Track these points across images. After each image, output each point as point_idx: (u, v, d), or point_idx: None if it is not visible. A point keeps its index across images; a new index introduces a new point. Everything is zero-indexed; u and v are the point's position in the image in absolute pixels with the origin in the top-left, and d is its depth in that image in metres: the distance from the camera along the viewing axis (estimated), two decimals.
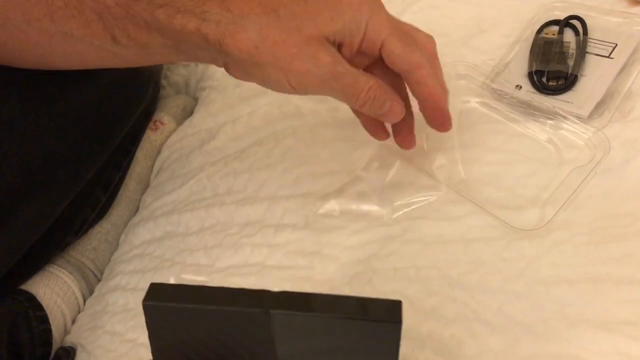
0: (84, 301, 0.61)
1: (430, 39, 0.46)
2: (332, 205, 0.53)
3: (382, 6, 0.43)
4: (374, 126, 0.51)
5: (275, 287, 0.30)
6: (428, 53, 0.45)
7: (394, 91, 0.44)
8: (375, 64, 0.45)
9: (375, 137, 0.51)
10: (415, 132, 0.49)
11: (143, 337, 0.51)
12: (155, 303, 0.30)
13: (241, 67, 0.42)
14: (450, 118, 0.47)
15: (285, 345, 0.31)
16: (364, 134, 0.56)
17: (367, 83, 0.42)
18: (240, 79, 0.44)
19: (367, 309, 0.29)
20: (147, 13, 0.40)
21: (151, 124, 0.67)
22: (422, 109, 0.47)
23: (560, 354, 0.41)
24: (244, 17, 0.40)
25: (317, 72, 0.40)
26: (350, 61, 0.42)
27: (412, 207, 0.51)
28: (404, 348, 0.43)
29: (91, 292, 0.62)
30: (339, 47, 0.42)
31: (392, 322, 0.29)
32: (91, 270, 0.63)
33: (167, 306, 0.30)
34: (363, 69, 0.44)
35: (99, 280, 0.62)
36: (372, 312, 0.29)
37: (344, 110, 0.59)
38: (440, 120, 0.47)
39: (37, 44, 0.45)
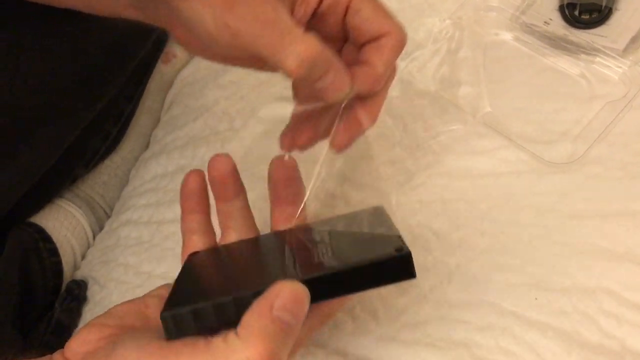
0: (94, 236, 0.60)
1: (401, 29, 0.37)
2: None
3: None
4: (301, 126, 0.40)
5: None
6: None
7: (343, 63, 0.35)
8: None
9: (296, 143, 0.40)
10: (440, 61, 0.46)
11: (159, 269, 0.50)
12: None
13: (174, 8, 0.34)
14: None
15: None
16: None
17: (310, 41, 0.33)
18: (182, 42, 0.38)
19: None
20: None
21: (163, 56, 0.64)
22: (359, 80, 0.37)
23: (592, 288, 0.40)
24: None
25: (254, 11, 0.33)
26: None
27: (438, 139, 0.49)
28: (431, 280, 0.42)
29: (101, 228, 0.60)
30: (293, 3, 0.36)
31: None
32: (100, 206, 0.61)
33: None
34: None
35: (108, 217, 0.61)
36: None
37: None
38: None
39: None
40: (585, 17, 0.52)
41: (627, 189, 0.44)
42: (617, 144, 0.46)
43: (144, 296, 0.37)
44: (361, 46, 0.37)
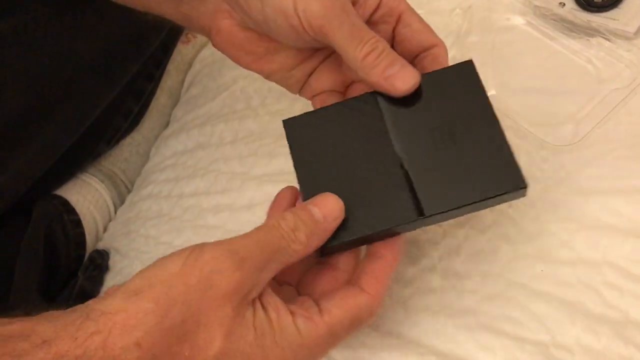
0: (115, 210, 0.62)
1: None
2: None
3: None
4: None
5: None
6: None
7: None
8: None
9: None
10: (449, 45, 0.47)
11: (178, 240, 0.52)
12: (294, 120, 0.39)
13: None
14: None
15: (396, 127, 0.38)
16: None
17: (375, 35, 0.37)
18: (220, 40, 0.41)
19: None
20: None
21: (183, 37, 0.66)
22: None
23: (597, 262, 0.41)
24: None
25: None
26: None
27: None
28: (440, 251, 0.44)
29: (122, 202, 0.62)
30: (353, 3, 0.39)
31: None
32: (122, 181, 0.63)
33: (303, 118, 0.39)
34: None
35: (130, 191, 0.63)
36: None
37: None
38: None
39: None
40: (598, 0, 0.53)
41: (634, 167, 0.45)
42: (625, 123, 0.47)
43: None
44: (414, 57, 0.41)
